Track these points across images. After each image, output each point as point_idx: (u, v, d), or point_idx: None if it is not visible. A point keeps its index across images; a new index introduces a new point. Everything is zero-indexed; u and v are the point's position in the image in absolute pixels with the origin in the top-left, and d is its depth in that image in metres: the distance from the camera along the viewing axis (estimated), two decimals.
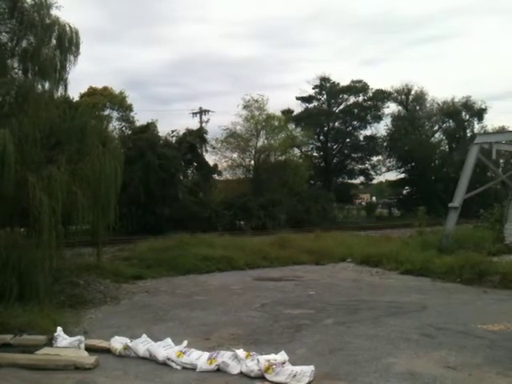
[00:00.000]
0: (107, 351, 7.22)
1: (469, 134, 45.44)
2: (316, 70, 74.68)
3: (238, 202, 31.46)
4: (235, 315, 9.62)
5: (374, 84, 59.31)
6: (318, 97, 46.88)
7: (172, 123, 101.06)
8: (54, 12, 11.68)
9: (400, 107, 48.46)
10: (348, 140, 46.76)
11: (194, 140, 31.85)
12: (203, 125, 37.64)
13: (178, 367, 6.63)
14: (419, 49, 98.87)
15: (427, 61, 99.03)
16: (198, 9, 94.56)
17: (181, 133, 32.02)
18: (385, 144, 47.21)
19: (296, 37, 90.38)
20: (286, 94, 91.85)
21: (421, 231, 19.11)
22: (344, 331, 8.31)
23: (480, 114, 46.20)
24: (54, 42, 11.55)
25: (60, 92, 11.83)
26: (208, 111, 40.27)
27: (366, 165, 48.03)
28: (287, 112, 42.73)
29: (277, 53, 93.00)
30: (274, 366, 6.12)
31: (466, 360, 6.73)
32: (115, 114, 39.60)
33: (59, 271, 11.23)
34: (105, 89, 40.03)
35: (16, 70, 11.85)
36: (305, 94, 46.22)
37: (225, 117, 72.80)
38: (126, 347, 7.15)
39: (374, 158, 47.91)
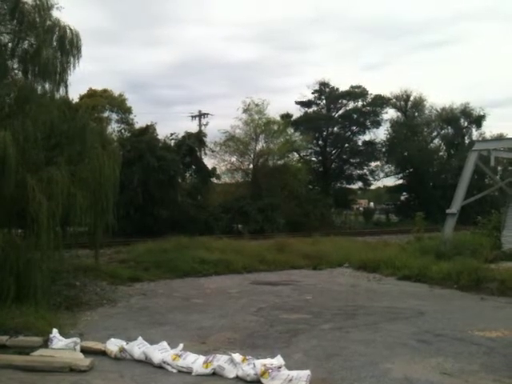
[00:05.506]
0: (103, 353, 7.20)
1: (467, 141, 45.58)
2: (317, 73, 74.78)
3: (236, 206, 31.39)
4: (232, 319, 9.60)
5: (375, 88, 59.58)
6: (318, 101, 46.96)
7: (171, 126, 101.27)
8: (54, 13, 11.69)
9: (399, 113, 48.62)
10: (347, 145, 46.78)
11: (193, 143, 31.85)
12: (202, 128, 37.76)
13: (174, 370, 6.62)
14: (420, 54, 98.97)
15: (427, 66, 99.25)
16: (200, 10, 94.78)
17: (180, 136, 32.07)
18: (383, 150, 47.28)
19: (297, 40, 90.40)
20: (286, 98, 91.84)
21: (418, 237, 19.12)
22: (341, 336, 8.30)
23: (478, 120, 46.33)
24: (54, 43, 11.54)
25: (61, 94, 11.82)
26: (207, 114, 40.48)
27: (365, 170, 48.01)
28: (286, 116, 42.73)
29: (278, 56, 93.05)
30: (270, 371, 6.11)
31: (463, 367, 6.72)
32: (114, 116, 39.72)
33: (56, 273, 11.22)
34: (104, 91, 40.13)
35: (16, 71, 11.85)
36: (304, 99, 46.33)
37: (224, 120, 72.85)
38: (122, 350, 7.13)
39: (373, 164, 47.95)
